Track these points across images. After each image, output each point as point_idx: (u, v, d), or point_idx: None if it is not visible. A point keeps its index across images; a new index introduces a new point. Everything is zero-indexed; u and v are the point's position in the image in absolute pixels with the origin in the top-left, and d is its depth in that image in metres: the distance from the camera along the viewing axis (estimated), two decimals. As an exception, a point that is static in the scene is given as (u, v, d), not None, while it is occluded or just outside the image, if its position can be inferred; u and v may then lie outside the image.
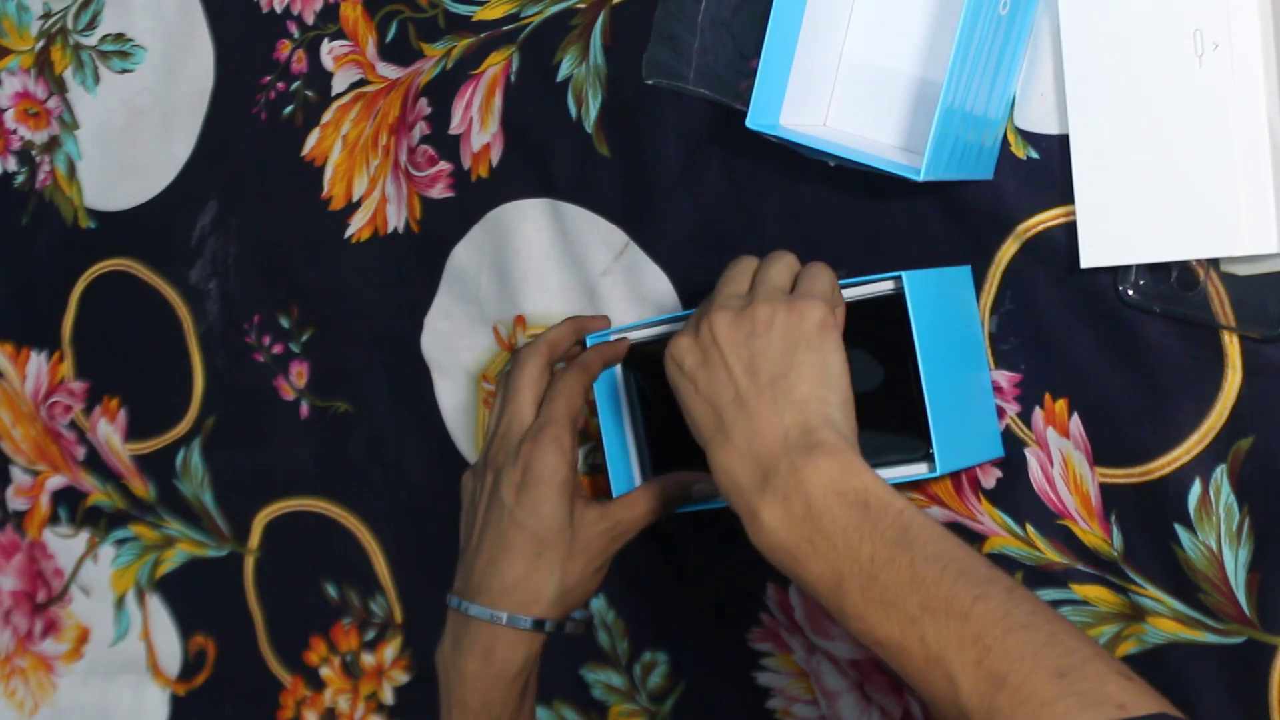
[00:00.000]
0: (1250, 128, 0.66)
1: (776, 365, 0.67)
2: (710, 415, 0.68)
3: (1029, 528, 0.76)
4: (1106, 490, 0.75)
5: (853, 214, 0.80)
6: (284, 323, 1.04)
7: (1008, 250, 0.76)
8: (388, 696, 1.03)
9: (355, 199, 0.99)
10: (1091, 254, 0.71)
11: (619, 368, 0.84)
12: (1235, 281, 0.70)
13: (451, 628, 0.81)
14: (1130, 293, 0.72)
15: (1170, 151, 0.68)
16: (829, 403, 0.66)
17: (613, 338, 0.83)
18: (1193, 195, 0.68)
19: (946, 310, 0.74)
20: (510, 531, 0.79)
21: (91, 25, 1.11)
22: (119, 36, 1.10)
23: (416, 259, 0.97)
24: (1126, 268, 0.72)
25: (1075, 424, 0.75)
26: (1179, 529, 0.73)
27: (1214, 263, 0.70)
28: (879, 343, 0.73)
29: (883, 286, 0.73)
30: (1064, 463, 0.75)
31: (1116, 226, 0.70)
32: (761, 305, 0.69)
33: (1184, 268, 0.71)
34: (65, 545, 1.18)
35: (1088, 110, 0.70)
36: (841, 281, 0.73)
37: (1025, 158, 0.74)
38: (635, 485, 0.83)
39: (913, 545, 0.61)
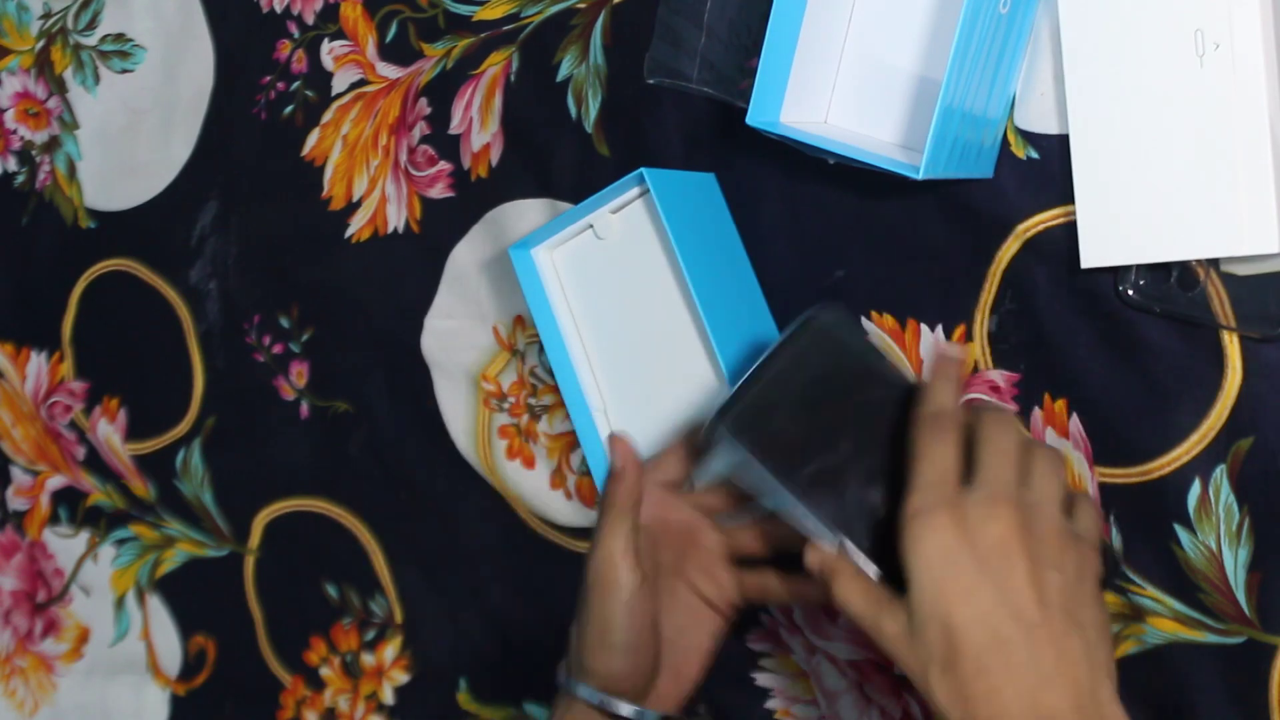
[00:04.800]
0: (1251, 128, 0.66)
1: (1071, 604, 0.60)
2: (984, 633, 0.59)
3: (1029, 528, 0.76)
4: (1106, 490, 0.74)
5: (852, 212, 0.80)
6: (284, 323, 1.04)
7: (1008, 250, 0.76)
8: (388, 696, 1.03)
9: (355, 199, 0.99)
10: (1092, 254, 0.71)
11: None
12: (1235, 281, 0.70)
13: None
14: (1130, 293, 0.72)
15: (1171, 151, 0.68)
16: (1112, 672, 0.62)
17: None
18: (1193, 195, 0.68)
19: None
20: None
21: (91, 25, 1.11)
22: (119, 36, 1.10)
23: (416, 259, 0.97)
24: (1126, 268, 0.72)
25: (1075, 424, 0.75)
26: (1179, 529, 0.73)
27: (1214, 263, 0.70)
28: None
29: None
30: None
31: (1117, 226, 0.70)
32: (1054, 521, 0.62)
33: (1184, 268, 0.71)
34: (65, 545, 1.18)
35: (1088, 110, 0.70)
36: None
37: (1025, 157, 0.74)
38: None
39: None
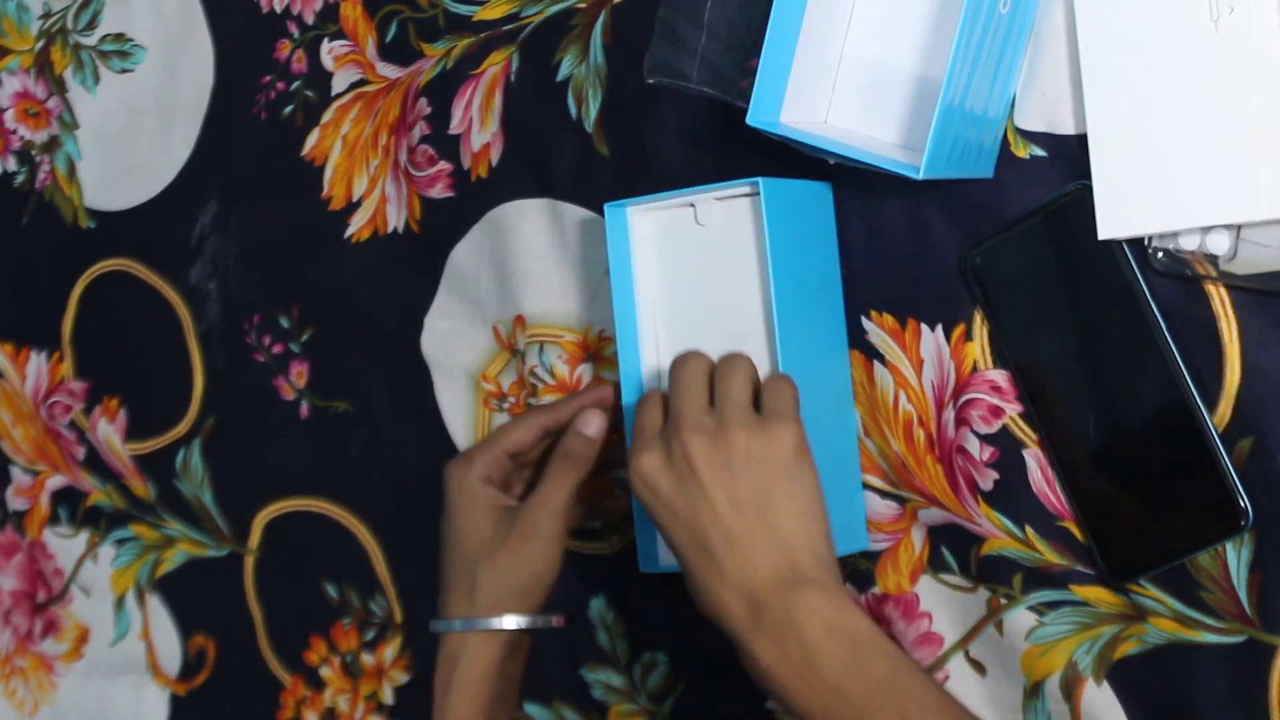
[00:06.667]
0: (1268, 92, 0.65)
1: (759, 495, 0.69)
2: (693, 542, 0.69)
3: (1028, 529, 0.76)
4: (1107, 490, 0.74)
5: (852, 212, 0.79)
6: (284, 323, 1.04)
7: (1008, 250, 0.76)
8: (388, 696, 1.03)
9: (355, 199, 0.99)
10: (1109, 225, 0.70)
11: None
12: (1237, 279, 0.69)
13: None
14: (1161, 255, 0.70)
15: (1187, 117, 0.67)
16: (814, 535, 0.69)
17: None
18: (1210, 161, 0.66)
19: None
20: (443, 553, 0.83)
21: (91, 25, 1.11)
22: (119, 36, 1.10)
23: (416, 259, 0.97)
24: (1146, 251, 0.70)
25: (1075, 424, 0.75)
26: (1179, 529, 0.73)
27: (1216, 260, 0.69)
28: None
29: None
30: (1064, 463, 0.75)
31: (1134, 195, 0.69)
32: (736, 430, 0.70)
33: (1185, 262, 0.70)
34: (65, 545, 1.18)
35: (1101, 77, 0.69)
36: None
37: (1026, 156, 0.74)
38: None
39: (904, 691, 0.66)
